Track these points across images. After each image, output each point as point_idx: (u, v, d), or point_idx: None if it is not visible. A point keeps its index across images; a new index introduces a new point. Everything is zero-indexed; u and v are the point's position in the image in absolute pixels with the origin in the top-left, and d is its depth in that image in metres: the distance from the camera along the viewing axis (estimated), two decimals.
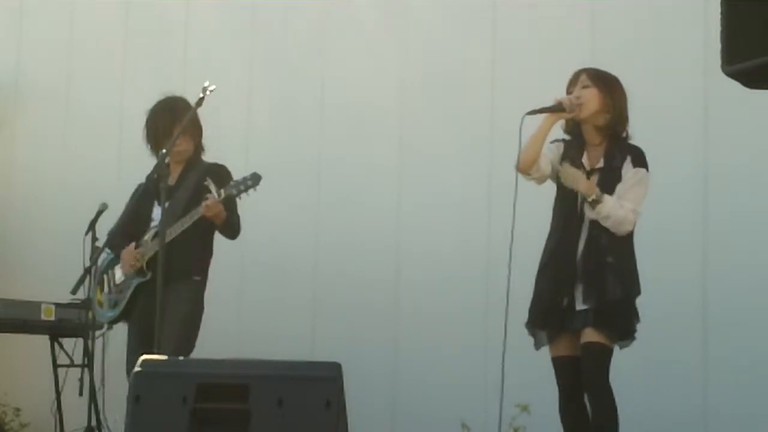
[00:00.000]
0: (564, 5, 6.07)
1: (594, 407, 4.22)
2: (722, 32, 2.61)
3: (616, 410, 4.19)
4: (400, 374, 6.41)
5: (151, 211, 5.20)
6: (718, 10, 2.63)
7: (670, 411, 5.16)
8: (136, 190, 5.34)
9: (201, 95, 4.91)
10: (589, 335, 4.22)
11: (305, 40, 7.05)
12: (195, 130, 5.25)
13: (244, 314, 6.90)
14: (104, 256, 5.38)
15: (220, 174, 5.16)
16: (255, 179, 4.94)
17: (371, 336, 6.44)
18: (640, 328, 4.29)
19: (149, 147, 5.29)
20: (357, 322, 6.50)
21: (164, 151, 4.87)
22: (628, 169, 4.34)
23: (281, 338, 6.49)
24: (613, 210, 4.24)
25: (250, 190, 4.95)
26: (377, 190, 6.64)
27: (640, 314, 4.31)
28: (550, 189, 4.50)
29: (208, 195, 4.96)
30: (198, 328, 5.13)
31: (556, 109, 4.36)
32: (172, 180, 5.20)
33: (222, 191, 4.95)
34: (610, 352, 4.25)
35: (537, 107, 4.35)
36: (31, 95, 8.35)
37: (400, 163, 6.59)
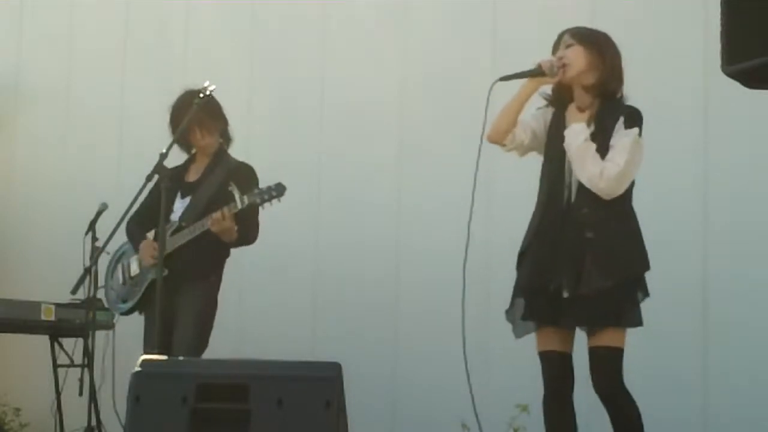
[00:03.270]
0: (564, 5, 6.07)
1: (614, 413, 3.80)
2: (722, 32, 2.60)
3: (637, 410, 3.79)
4: (400, 374, 6.41)
5: (173, 203, 5.10)
6: (718, 10, 2.62)
7: (670, 413, 5.15)
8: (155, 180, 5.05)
9: (201, 95, 4.90)
10: (595, 339, 3.78)
11: (305, 40, 7.05)
12: (216, 123, 5.14)
13: (244, 314, 6.89)
14: (119, 246, 5.30)
15: (247, 177, 5.06)
16: (279, 190, 4.85)
17: (371, 336, 6.43)
18: (640, 331, 3.95)
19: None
20: (357, 322, 6.50)
21: (163, 151, 4.85)
22: (618, 130, 3.80)
23: (281, 338, 6.48)
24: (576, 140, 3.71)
25: (274, 201, 4.85)
26: (377, 190, 6.64)
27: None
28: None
29: (223, 209, 4.84)
30: (211, 327, 5.09)
31: (536, 73, 3.88)
32: (196, 174, 5.17)
33: (245, 198, 4.84)
34: (620, 351, 3.78)
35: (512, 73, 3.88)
36: (31, 95, 8.35)
37: (400, 163, 6.59)
